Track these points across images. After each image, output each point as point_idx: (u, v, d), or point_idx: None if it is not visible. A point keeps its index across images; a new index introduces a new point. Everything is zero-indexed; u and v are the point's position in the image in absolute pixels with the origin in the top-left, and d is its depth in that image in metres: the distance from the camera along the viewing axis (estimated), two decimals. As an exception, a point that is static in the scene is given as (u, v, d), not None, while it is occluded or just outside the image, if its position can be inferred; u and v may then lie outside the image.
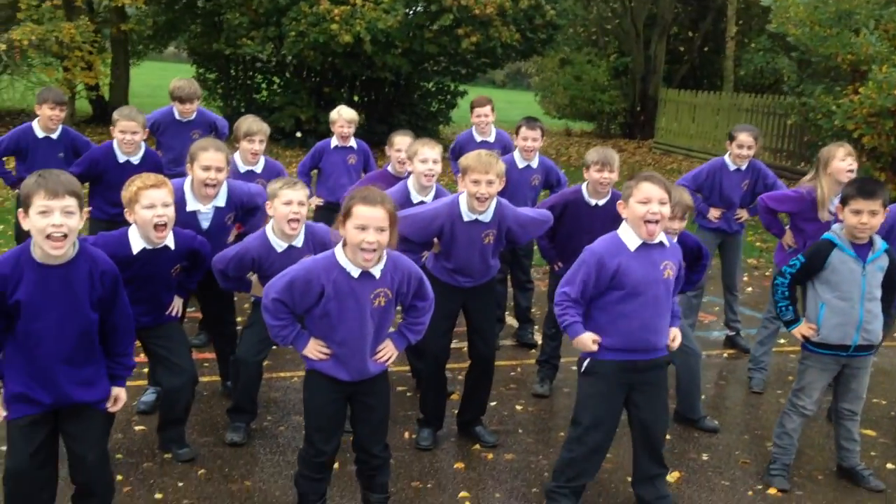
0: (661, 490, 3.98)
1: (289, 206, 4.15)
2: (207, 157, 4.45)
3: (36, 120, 6.09)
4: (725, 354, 6.51)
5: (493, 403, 5.24)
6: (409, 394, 5.33)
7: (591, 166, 5.03)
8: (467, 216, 4.30)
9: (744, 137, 6.12)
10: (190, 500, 3.87)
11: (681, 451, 4.78)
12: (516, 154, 6.12)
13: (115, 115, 5.64)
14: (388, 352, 3.52)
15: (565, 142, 21.25)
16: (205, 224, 4.59)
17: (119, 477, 3.96)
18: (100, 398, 3.20)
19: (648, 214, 3.65)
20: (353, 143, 6.71)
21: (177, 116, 6.42)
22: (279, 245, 4.23)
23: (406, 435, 4.70)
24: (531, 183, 6.12)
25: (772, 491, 4.32)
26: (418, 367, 5.08)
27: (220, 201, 4.63)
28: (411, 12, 14.11)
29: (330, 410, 3.47)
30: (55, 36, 13.06)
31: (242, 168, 5.58)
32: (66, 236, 2.96)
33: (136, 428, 4.57)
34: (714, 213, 6.21)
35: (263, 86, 17.26)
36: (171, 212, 3.84)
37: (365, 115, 17.46)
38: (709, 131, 18.61)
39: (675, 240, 4.50)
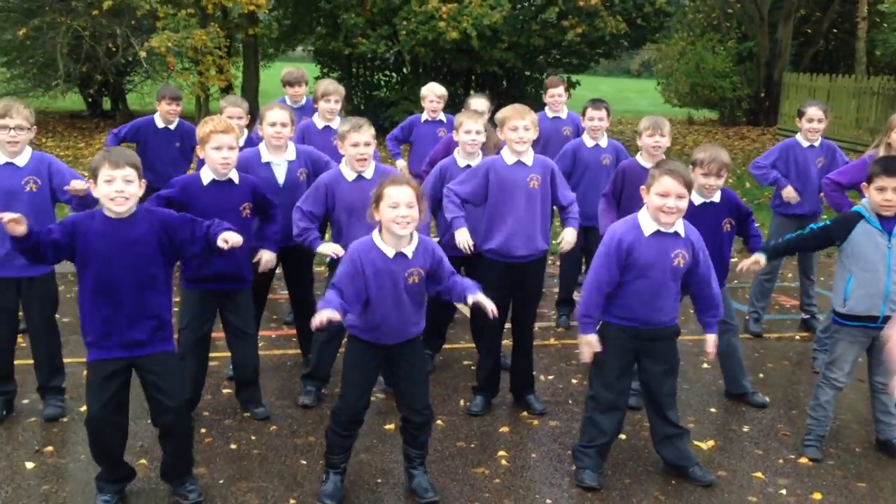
0: (683, 450, 4.23)
1: (356, 148, 4.65)
2: (272, 115, 5.04)
3: (156, 114, 6.96)
4: (798, 337, 6.56)
5: (550, 377, 5.59)
6: (472, 367, 5.73)
7: (643, 133, 5.32)
8: (510, 160, 4.72)
9: (813, 111, 6.18)
10: (259, 451, 4.43)
11: (723, 423, 4.98)
12: (585, 135, 6.43)
13: (223, 103, 6.36)
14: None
15: (684, 130, 20.96)
16: (280, 179, 5.10)
17: (202, 430, 4.57)
18: (166, 348, 3.74)
19: (665, 207, 3.91)
20: (442, 116, 7.20)
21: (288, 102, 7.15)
22: (350, 175, 4.71)
23: (462, 402, 5.11)
24: (601, 162, 6.36)
25: (803, 460, 4.48)
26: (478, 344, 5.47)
27: (291, 155, 5.17)
28: (518, 7, 14.41)
29: (365, 370, 3.89)
30: (189, 42, 14.17)
31: (321, 125, 6.29)
32: (127, 199, 3.57)
33: (224, 391, 5.19)
34: (789, 192, 6.22)
35: (382, 83, 18.01)
36: (234, 155, 4.40)
37: (480, 108, 17.97)
38: (837, 116, 17.94)
39: (717, 196, 4.75)
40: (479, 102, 6.49)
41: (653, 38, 17.18)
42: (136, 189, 3.60)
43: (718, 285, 4.26)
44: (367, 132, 4.72)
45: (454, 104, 7.99)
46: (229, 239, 3.62)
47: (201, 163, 4.67)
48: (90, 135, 15.86)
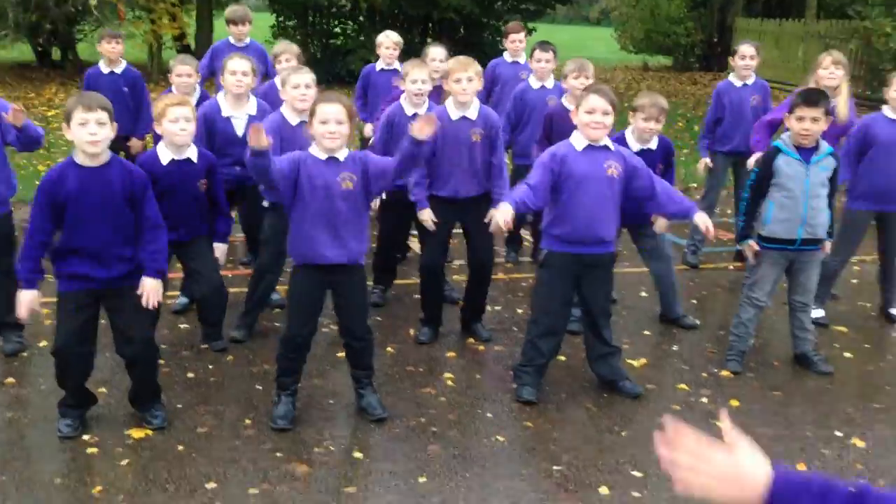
0: (615, 367, 4.55)
1: (297, 90, 4.79)
2: (233, 64, 5.18)
3: (101, 60, 6.96)
4: (731, 267, 6.88)
5: (497, 307, 5.85)
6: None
7: (569, 75, 5.60)
8: (454, 115, 4.88)
9: (745, 48, 6.46)
10: (216, 378, 4.65)
11: (655, 344, 5.31)
12: (531, 77, 6.62)
13: (172, 62, 6.41)
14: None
15: (639, 76, 21.19)
16: (239, 132, 5.23)
17: (161, 361, 4.75)
18: (136, 280, 3.92)
19: (592, 123, 4.16)
20: (397, 65, 7.21)
21: (231, 41, 7.21)
22: (294, 119, 4.85)
23: (411, 332, 5.36)
24: (548, 103, 6.57)
25: (725, 373, 4.82)
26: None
27: (251, 109, 5.30)
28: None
29: (308, 298, 4.09)
30: (141, -10, 14.00)
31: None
32: (100, 141, 3.72)
33: (181, 326, 5.38)
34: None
35: (338, 31, 17.94)
36: (192, 126, 4.52)
37: (436, 55, 17.97)
38: (785, 60, 18.27)
39: (654, 142, 5.02)
40: (437, 51, 6.54)
41: (607, -17, 17.24)
42: (109, 131, 3.74)
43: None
44: (308, 74, 4.87)
45: (412, 52, 8.06)
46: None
47: (158, 138, 4.76)
48: (40, 85, 15.66)
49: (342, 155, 3.96)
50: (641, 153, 5.04)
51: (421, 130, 3.85)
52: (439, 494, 3.58)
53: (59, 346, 3.87)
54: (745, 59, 6.44)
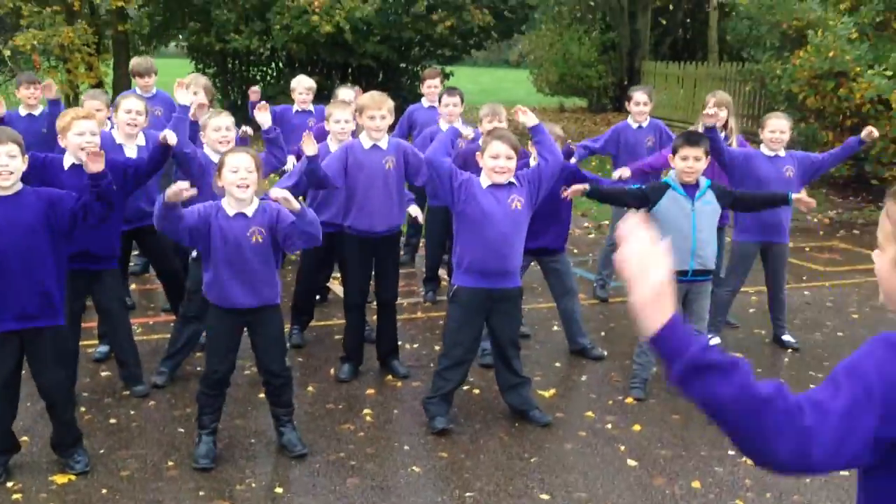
0: (525, 397, 4.81)
1: (218, 132, 5.10)
2: (127, 103, 5.46)
3: (21, 105, 7.03)
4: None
5: (415, 345, 6.08)
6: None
7: (483, 119, 5.86)
8: (367, 144, 5.15)
9: (638, 96, 6.91)
10: (138, 423, 4.75)
11: (565, 375, 5.60)
12: (441, 121, 6.96)
13: (83, 97, 6.51)
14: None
15: (555, 118, 21.89)
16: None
17: (82, 408, 4.83)
18: (56, 322, 4.02)
19: (497, 167, 4.47)
20: (311, 107, 7.59)
21: (138, 91, 7.34)
22: (215, 158, 4.95)
23: (332, 371, 5.53)
24: (458, 145, 6.90)
25: (629, 400, 5.13)
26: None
27: (141, 141, 5.53)
28: (389, 0, 14.85)
29: (224, 337, 4.26)
30: (56, 40, 13.96)
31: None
32: (11, 173, 3.85)
33: (102, 374, 5.45)
34: (622, 173, 6.91)
35: (258, 78, 18.10)
36: (96, 139, 4.63)
37: (356, 100, 18.30)
38: (689, 101, 19.15)
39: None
40: (345, 93, 6.93)
41: (520, 30, 17.92)
42: (20, 164, 3.88)
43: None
44: (228, 118, 5.11)
45: (329, 97, 8.33)
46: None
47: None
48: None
49: (251, 210, 4.15)
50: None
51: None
52: (357, 524, 3.76)
53: None
54: (640, 105, 6.90)
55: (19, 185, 3.95)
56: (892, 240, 1.61)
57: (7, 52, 14.18)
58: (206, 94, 6.31)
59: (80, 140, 4.61)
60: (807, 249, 9.29)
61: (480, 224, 4.50)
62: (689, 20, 23.75)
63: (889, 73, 10.55)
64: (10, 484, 4.02)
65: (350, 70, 17.89)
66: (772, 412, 1.51)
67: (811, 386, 5.24)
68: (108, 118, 6.42)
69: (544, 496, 4.03)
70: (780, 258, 6.07)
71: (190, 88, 6.29)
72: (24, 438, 4.40)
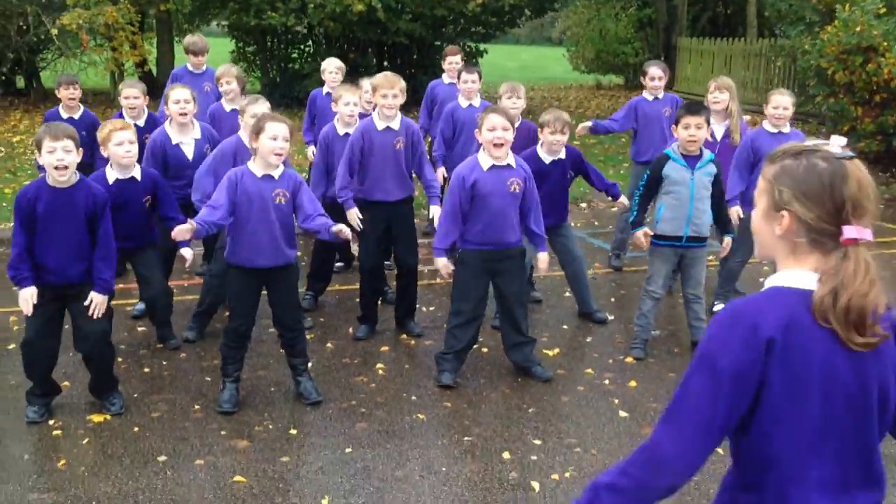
0: (529, 355, 5.10)
1: (274, 141, 5.01)
2: (176, 94, 5.71)
3: (60, 104, 7.30)
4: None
5: (431, 308, 6.40)
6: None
7: (503, 96, 6.15)
8: (380, 125, 5.45)
9: (653, 71, 7.10)
10: (169, 372, 5.15)
11: (571, 336, 5.88)
12: (460, 96, 7.23)
13: (121, 86, 6.90)
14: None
15: (590, 95, 21.96)
16: (189, 154, 5.78)
17: (119, 359, 5.24)
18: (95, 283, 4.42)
19: (495, 139, 4.74)
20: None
21: (189, 68, 7.73)
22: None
23: (350, 330, 5.89)
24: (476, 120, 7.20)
25: (629, 359, 5.40)
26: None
27: (197, 134, 5.83)
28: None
29: (245, 295, 4.61)
30: (101, 19, 14.45)
31: (227, 108, 6.58)
32: (66, 167, 4.22)
33: (139, 329, 5.87)
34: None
35: (295, 55, 18.49)
36: (135, 148, 5.02)
37: (392, 78, 18.59)
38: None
39: (563, 153, 5.63)
40: (368, 83, 7.12)
41: (552, 7, 18.02)
42: (75, 157, 4.26)
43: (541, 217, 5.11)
44: (265, 103, 5.37)
45: (369, 74, 8.56)
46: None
47: (104, 161, 5.20)
48: (4, 113, 16.01)
49: (277, 173, 4.49)
50: (553, 164, 5.67)
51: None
52: (362, 461, 4.11)
53: (27, 339, 4.36)
54: (655, 80, 7.09)
55: (75, 178, 4.33)
56: (763, 195, 1.87)
57: (55, 31, 14.70)
58: (238, 84, 6.61)
59: (120, 150, 4.95)
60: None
61: (482, 204, 4.79)
62: (725, -4, 23.55)
63: (917, 48, 10.54)
64: (51, 422, 4.45)
65: (385, 48, 18.20)
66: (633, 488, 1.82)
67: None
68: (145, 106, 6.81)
69: (537, 441, 4.33)
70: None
71: (223, 79, 6.63)
72: (66, 383, 4.83)
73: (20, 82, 19.55)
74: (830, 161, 1.78)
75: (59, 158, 4.20)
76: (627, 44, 22.20)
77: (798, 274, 1.80)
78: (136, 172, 5.10)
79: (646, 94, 7.21)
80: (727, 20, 25.44)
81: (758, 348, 1.74)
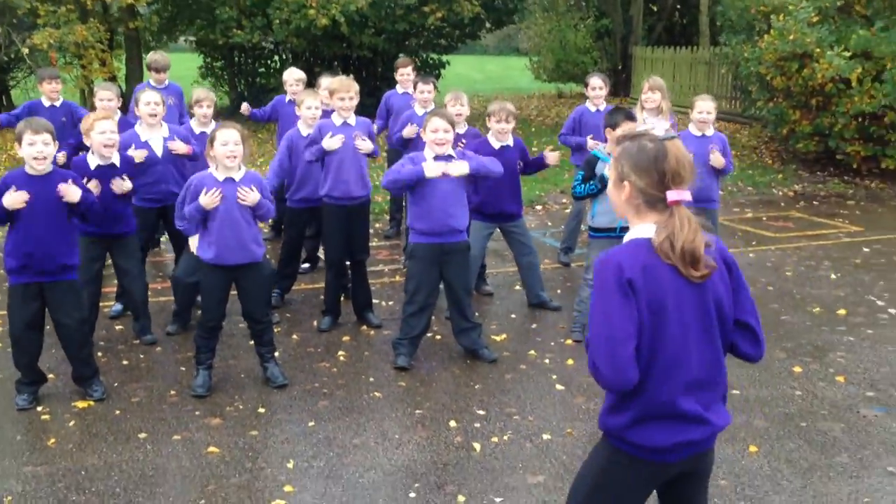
0: (475, 339, 5.62)
1: (225, 146, 5.03)
2: (146, 96, 6.15)
3: (42, 96, 7.88)
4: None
5: (391, 303, 6.89)
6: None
7: (447, 103, 6.66)
8: (338, 122, 6.00)
9: (594, 81, 7.67)
10: (147, 364, 5.60)
11: (519, 323, 6.41)
12: (416, 105, 7.77)
13: (96, 88, 7.35)
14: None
15: (550, 104, 22.62)
16: (159, 152, 6.17)
17: (99, 353, 5.67)
18: (71, 277, 4.87)
19: (437, 139, 5.27)
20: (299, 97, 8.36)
21: (152, 83, 8.20)
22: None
23: (314, 323, 6.36)
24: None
25: (568, 342, 5.94)
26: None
27: (165, 132, 6.23)
28: (382, -6, 15.64)
29: (216, 290, 5.07)
30: (71, 38, 14.83)
31: (197, 130, 6.89)
32: (45, 158, 4.67)
33: (117, 328, 6.30)
34: (591, 143, 7.73)
35: (262, 70, 18.96)
36: (116, 137, 5.44)
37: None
38: (679, 85, 19.83)
39: (510, 140, 6.16)
40: (326, 80, 7.74)
41: (511, 20, 18.66)
42: (52, 149, 4.71)
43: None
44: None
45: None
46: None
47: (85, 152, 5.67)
48: (-24, 131, 16.30)
49: (238, 175, 4.97)
50: (502, 150, 6.20)
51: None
52: (323, 433, 4.59)
53: (13, 331, 4.81)
54: (596, 90, 7.65)
55: (50, 167, 4.78)
56: (612, 170, 2.42)
57: (25, 50, 15.05)
58: (211, 109, 6.97)
59: (102, 138, 5.41)
60: (764, 218, 10.04)
61: (427, 192, 5.30)
62: (680, 6, 24.34)
63: (848, 53, 11.23)
64: (39, 408, 4.89)
65: (350, 61, 18.71)
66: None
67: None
68: (119, 108, 7.27)
69: (480, 412, 4.85)
70: (712, 222, 6.82)
71: (204, 103, 6.99)
72: (51, 376, 5.25)
73: (-10, 100, 19.82)
74: (655, 142, 2.33)
75: (38, 150, 4.65)
76: (586, 53, 22.88)
77: (645, 227, 2.36)
78: (116, 159, 5.53)
79: (588, 105, 7.76)
80: (683, 29, 26.25)
81: (625, 289, 2.29)
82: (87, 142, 5.58)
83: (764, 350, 2.54)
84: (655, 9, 23.95)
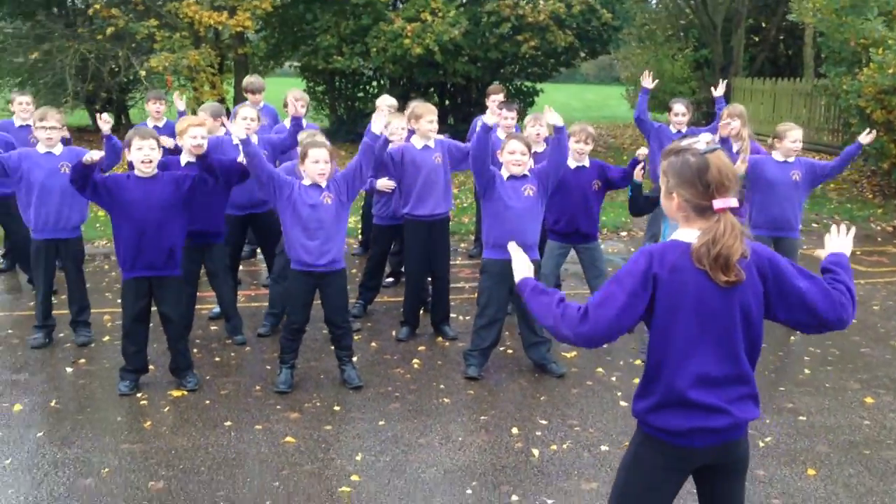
0: (545, 354, 5.82)
1: (316, 164, 5.34)
2: (243, 111, 6.59)
3: (149, 117, 8.50)
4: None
5: (467, 317, 7.16)
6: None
7: (527, 124, 6.93)
8: (419, 145, 6.32)
9: (677, 107, 7.81)
10: (236, 361, 6.03)
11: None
12: (499, 130, 8.05)
13: (199, 110, 7.88)
14: None
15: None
16: (241, 158, 6.63)
17: (194, 350, 6.14)
18: (175, 272, 5.33)
19: (513, 161, 5.53)
20: None
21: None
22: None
23: (393, 333, 6.69)
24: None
25: (637, 361, 6.08)
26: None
27: (254, 141, 6.66)
28: (477, 24, 16.06)
29: (301, 294, 5.43)
30: (184, 62, 15.80)
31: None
32: (151, 161, 5.19)
33: (212, 328, 6.78)
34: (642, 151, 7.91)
35: (361, 95, 19.66)
36: (205, 142, 5.81)
37: (452, 116, 19.62)
38: (778, 116, 19.54)
39: (586, 161, 6.35)
40: (386, 98, 8.19)
41: (606, 50, 18.82)
42: (158, 154, 5.24)
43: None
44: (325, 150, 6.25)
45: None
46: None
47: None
48: (97, 146, 17.44)
49: (323, 182, 5.35)
50: (577, 170, 6.40)
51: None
52: (392, 431, 4.89)
53: (125, 325, 5.31)
54: (678, 116, 7.79)
55: (156, 170, 5.28)
56: (662, 182, 2.62)
57: (143, 73, 16.10)
58: (304, 105, 7.50)
59: (192, 141, 5.87)
60: (858, 253, 9.87)
61: (501, 208, 5.57)
62: (784, 37, 23.99)
63: (948, 87, 10.97)
64: (139, 395, 5.35)
65: (445, 87, 19.23)
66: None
67: (805, 359, 6.07)
68: (222, 125, 7.79)
69: (543, 421, 5.05)
70: (791, 251, 6.85)
71: (299, 102, 7.45)
72: (151, 367, 5.73)
73: (111, 119, 21.19)
74: (697, 156, 2.53)
75: (145, 154, 5.18)
76: (684, 83, 22.80)
77: (689, 232, 2.58)
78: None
79: (670, 128, 7.89)
80: (788, 61, 25.83)
81: (649, 280, 2.53)
82: (179, 142, 6.03)
83: (849, 312, 2.62)
84: (757, 39, 23.67)
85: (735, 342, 2.57)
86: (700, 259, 2.51)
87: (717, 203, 2.52)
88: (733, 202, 2.53)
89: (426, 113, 6.36)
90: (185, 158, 6.02)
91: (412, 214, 6.44)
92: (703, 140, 2.59)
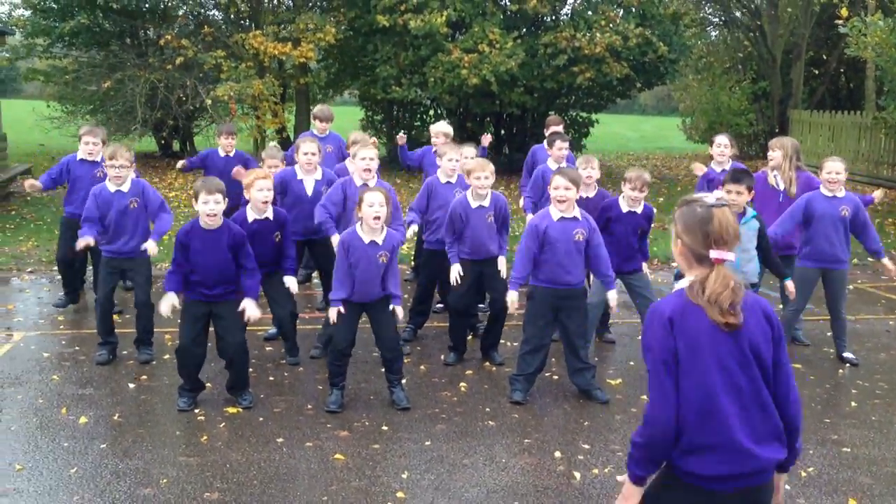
0: (589, 380, 5.92)
1: (371, 208, 5.53)
2: (305, 146, 6.91)
3: (219, 147, 8.89)
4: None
5: (515, 343, 7.28)
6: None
7: (578, 166, 7.03)
8: (474, 203, 6.47)
9: (720, 139, 7.87)
10: (289, 381, 6.25)
11: (635, 371, 6.63)
12: (550, 160, 8.18)
13: (263, 155, 8.22)
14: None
15: (702, 164, 22.46)
16: (309, 192, 6.95)
17: (251, 369, 6.38)
18: (235, 297, 5.60)
19: (558, 196, 5.67)
20: (446, 150, 8.96)
21: (315, 132, 9.04)
22: (358, 182, 6.51)
23: (441, 357, 6.85)
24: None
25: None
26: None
27: (318, 176, 7.01)
28: (533, 55, 16.28)
29: (348, 320, 5.63)
30: (249, 91, 16.34)
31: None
32: (216, 215, 5.45)
33: (267, 349, 7.03)
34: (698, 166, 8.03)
35: (418, 124, 20.01)
36: (271, 194, 6.16)
37: (507, 146, 19.86)
38: (839, 149, 19.31)
39: (639, 207, 6.45)
40: (442, 125, 8.42)
41: (662, 81, 18.89)
42: (223, 207, 5.50)
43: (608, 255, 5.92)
44: (372, 150, 6.55)
45: (475, 139, 9.69)
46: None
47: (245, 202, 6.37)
48: (163, 172, 18.10)
49: (380, 238, 5.56)
50: (629, 213, 6.50)
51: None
52: (437, 451, 5.03)
53: (181, 344, 5.56)
54: (721, 148, 7.85)
55: (221, 222, 5.55)
56: (672, 229, 2.76)
57: (209, 101, 16.69)
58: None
59: (260, 195, 6.11)
60: (912, 288, 9.75)
61: (551, 249, 5.71)
62: (843, 70, 23.74)
63: None
64: (196, 411, 5.59)
65: (501, 117, 19.47)
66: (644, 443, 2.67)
67: (853, 392, 6.06)
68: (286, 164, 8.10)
69: (586, 445, 5.14)
70: (838, 282, 6.85)
71: (358, 146, 7.56)
72: (208, 384, 5.98)
73: (176, 145, 21.92)
74: (705, 207, 2.67)
75: (210, 208, 5.43)
76: (741, 115, 22.70)
77: (690, 280, 2.68)
78: (270, 213, 6.25)
79: (713, 164, 7.93)
80: (849, 94, 25.52)
81: (666, 327, 2.63)
82: (246, 195, 6.26)
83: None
84: (818, 72, 23.44)
85: (753, 379, 2.65)
86: (695, 298, 2.64)
87: (713, 253, 2.66)
88: (730, 256, 2.66)
89: (477, 168, 6.46)
90: (251, 215, 6.17)
91: (464, 252, 6.60)
92: (714, 195, 2.76)
